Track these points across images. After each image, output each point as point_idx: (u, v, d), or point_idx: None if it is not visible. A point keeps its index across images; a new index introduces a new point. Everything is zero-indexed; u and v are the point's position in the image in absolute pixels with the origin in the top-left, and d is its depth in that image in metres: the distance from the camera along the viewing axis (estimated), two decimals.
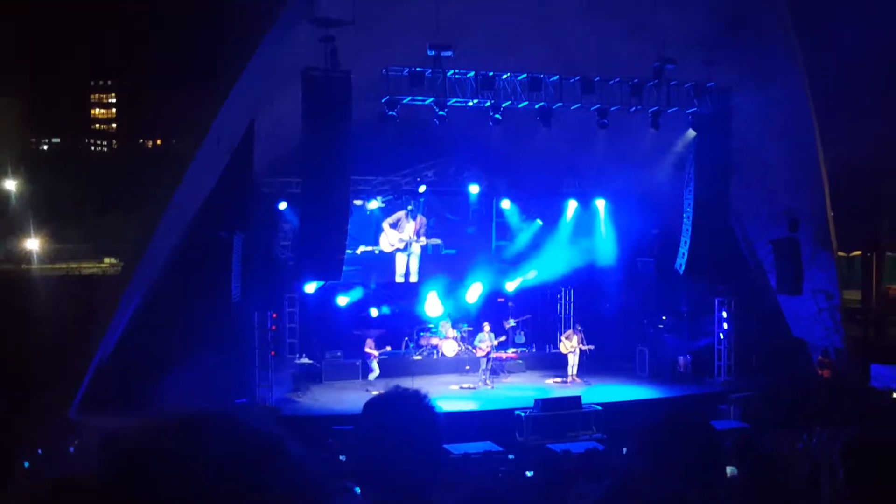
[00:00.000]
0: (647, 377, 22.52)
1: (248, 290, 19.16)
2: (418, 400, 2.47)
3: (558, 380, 22.28)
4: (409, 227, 23.93)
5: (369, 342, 21.11)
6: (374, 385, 20.73)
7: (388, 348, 22.10)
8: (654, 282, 24.12)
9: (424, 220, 24.01)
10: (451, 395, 20.29)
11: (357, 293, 23.77)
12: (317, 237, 18.13)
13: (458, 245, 24.89)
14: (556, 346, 23.66)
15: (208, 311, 18.11)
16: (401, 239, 23.85)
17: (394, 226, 23.83)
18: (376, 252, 23.78)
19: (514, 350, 24.28)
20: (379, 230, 23.81)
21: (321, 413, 18.07)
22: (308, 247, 18.34)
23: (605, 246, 24.38)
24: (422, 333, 24.02)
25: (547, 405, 18.04)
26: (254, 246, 19.72)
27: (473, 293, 24.45)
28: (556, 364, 23.17)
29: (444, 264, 24.43)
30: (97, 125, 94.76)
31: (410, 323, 23.96)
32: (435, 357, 23.45)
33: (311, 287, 21.98)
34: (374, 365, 21.06)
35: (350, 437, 2.52)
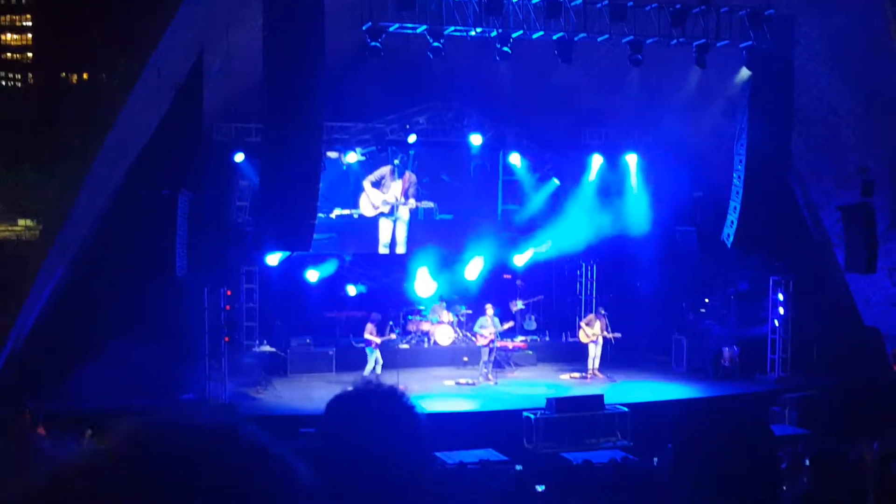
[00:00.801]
0: (685, 373, 22.66)
1: (197, 262, 19.19)
2: (394, 398, 2.43)
3: (576, 375, 22.34)
4: (396, 187, 23.86)
5: (370, 327, 21.21)
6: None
7: (394, 335, 22.28)
8: (696, 256, 24.15)
9: (414, 178, 23.97)
10: (445, 393, 20.42)
11: (330, 267, 23.80)
12: (281, 197, 18.17)
13: (455, 209, 24.86)
14: (575, 334, 23.74)
15: (146, 287, 18.12)
16: (385, 201, 23.80)
17: (377, 185, 23.79)
18: (355, 216, 23.80)
19: (522, 338, 24.38)
20: (359, 190, 23.82)
21: (285, 412, 18.14)
22: (270, 209, 18.39)
23: (636, 212, 24.29)
24: (410, 317, 24.09)
25: (562, 405, 18.13)
26: (203, 207, 19.72)
27: (474, 269, 24.46)
28: (574, 356, 23.26)
29: (438, 233, 24.41)
30: (8, 54, 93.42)
31: (396, 304, 24.01)
32: (426, 346, 23.58)
33: (273, 259, 22.00)
34: (376, 356, 21.08)
35: (310, 445, 2.40)
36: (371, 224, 23.99)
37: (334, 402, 2.49)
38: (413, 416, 2.44)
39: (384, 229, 24.12)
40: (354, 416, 2.38)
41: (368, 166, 23.58)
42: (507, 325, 22.48)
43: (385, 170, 23.71)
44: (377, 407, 2.40)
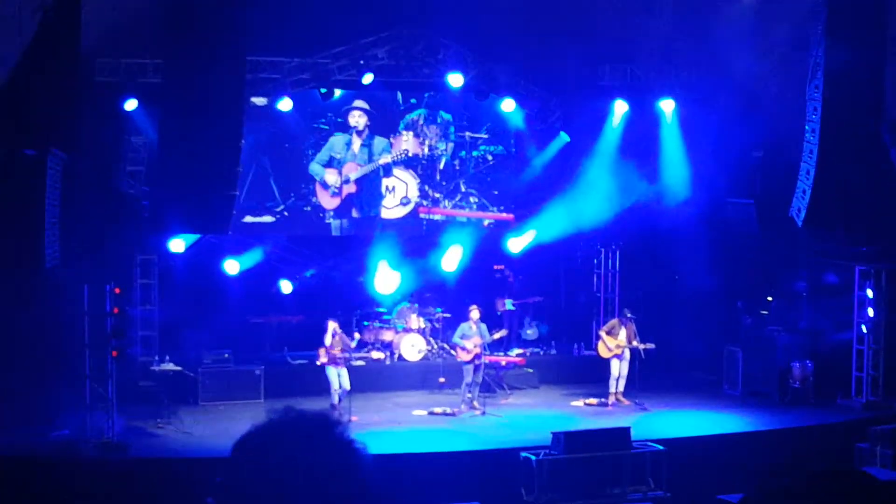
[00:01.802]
0: (741, 396, 22.78)
1: (73, 250, 19.01)
2: (325, 431, 2.42)
3: (593, 401, 22.47)
4: (353, 146, 24.60)
5: (335, 336, 21.00)
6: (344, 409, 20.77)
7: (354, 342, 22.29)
8: (755, 239, 24.23)
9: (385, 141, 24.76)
10: (414, 427, 20.41)
11: (256, 255, 23.99)
12: (189, 159, 18.14)
13: (428, 177, 25.42)
14: (592, 346, 23.74)
15: (3, 284, 17.93)
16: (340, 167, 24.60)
17: (328, 163, 24.60)
18: (307, 209, 24.60)
19: (519, 352, 24.53)
20: (301, 148, 24.59)
21: (196, 454, 18.09)
22: (175, 177, 18.36)
23: (673, 179, 24.38)
24: (366, 323, 24.33)
25: (574, 443, 18.01)
26: (83, 174, 19.55)
27: (452, 258, 24.68)
28: (591, 375, 23.39)
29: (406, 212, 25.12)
30: None
31: (348, 306, 24.21)
32: (388, 362, 23.91)
33: (178, 245, 22.01)
34: (341, 375, 20.83)
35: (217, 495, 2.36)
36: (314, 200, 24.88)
37: (245, 440, 2.37)
38: (353, 456, 2.36)
39: (334, 206, 24.81)
40: (271, 457, 2.31)
41: (304, 112, 24.24)
42: (498, 334, 22.42)
43: (338, 141, 24.35)
44: (302, 444, 2.34)
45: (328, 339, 21.05)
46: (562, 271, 26.18)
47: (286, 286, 24.20)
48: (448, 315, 23.94)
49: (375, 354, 23.93)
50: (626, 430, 18.61)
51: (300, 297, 24.21)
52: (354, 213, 25.12)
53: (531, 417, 21.08)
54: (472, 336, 21.69)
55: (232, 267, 23.64)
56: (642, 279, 24.95)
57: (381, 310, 24.43)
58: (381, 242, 24.55)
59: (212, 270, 23.40)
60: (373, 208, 25.24)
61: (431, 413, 21.45)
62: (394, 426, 20.19)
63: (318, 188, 24.80)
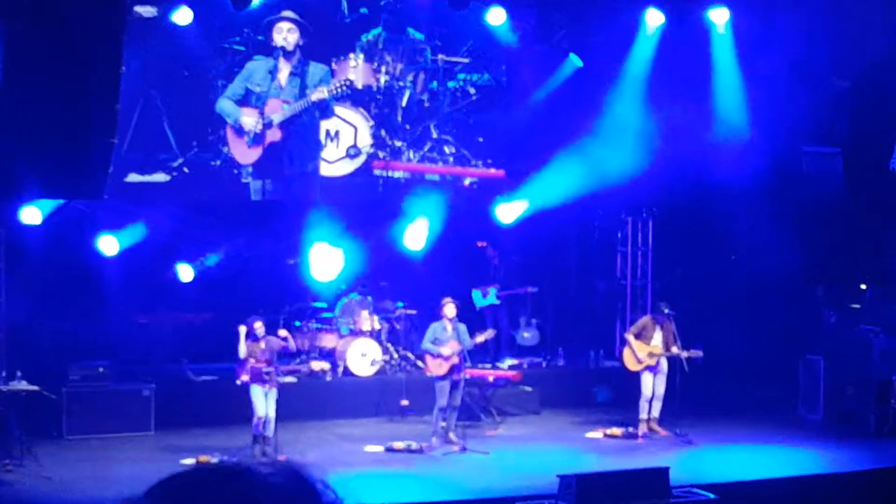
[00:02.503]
0: (822, 422, 22.89)
1: None
2: (247, 487, 2.69)
3: (617, 431, 22.59)
4: (279, 75, 24.56)
5: (260, 342, 20.65)
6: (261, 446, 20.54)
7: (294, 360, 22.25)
8: (842, 201, 24.19)
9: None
10: (366, 470, 20.19)
11: (143, 229, 23.95)
12: (46, 96, 18.00)
13: (385, 118, 25.46)
14: (614, 355, 23.83)
15: None
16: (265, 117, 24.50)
17: (245, 99, 24.36)
18: (216, 164, 24.52)
19: (512, 362, 24.72)
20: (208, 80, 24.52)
21: None
22: (27, 119, 18.13)
23: (727, 117, 24.40)
24: (298, 324, 24.46)
25: (590, 490, 17.84)
26: None
27: (418, 232, 24.95)
28: (613, 394, 23.63)
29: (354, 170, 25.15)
30: None
31: (273, 299, 24.16)
32: (330, 378, 23.99)
33: (33, 214, 21.93)
34: (270, 396, 20.48)
35: None
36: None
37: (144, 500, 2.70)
38: None
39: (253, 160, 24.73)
40: None
41: (228, 62, 24.61)
42: (482, 337, 22.29)
43: (257, 68, 24.49)
44: None
45: (244, 348, 20.67)
46: (572, 249, 26.41)
47: (186, 272, 24.25)
48: (413, 312, 24.24)
49: (313, 365, 23.77)
50: (664, 472, 18.43)
51: (205, 287, 24.27)
52: (280, 170, 24.90)
53: (529, 455, 21.08)
54: (446, 341, 21.40)
55: (109, 245, 23.61)
56: (684, 259, 25.11)
57: (320, 305, 24.60)
58: (319, 211, 24.57)
59: (81, 250, 23.44)
60: (307, 163, 25.09)
61: (390, 450, 21.27)
62: (338, 468, 19.67)
63: (231, 134, 24.59)
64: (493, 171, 25.92)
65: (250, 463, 2.83)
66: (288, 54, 24.53)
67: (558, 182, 24.42)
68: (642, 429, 22.24)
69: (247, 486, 2.73)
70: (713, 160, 24.12)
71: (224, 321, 22.56)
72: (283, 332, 21.74)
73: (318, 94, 24.59)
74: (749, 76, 24.37)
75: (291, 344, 21.44)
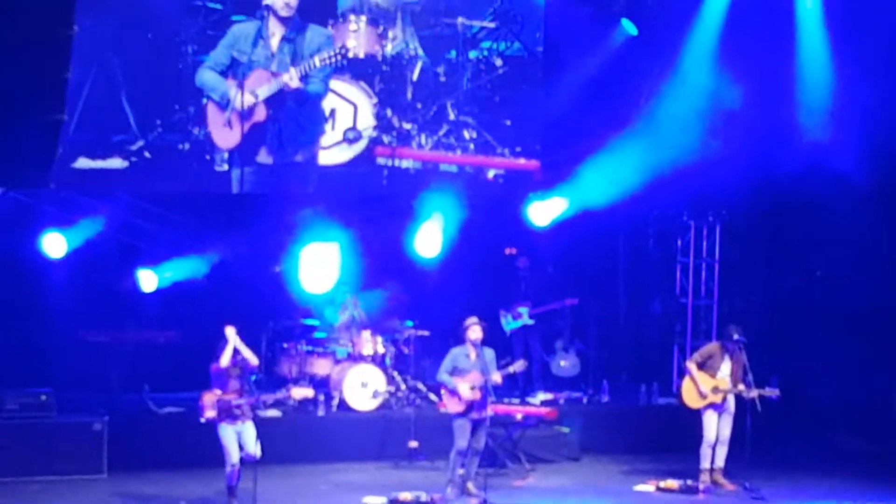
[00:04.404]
0: None
1: None
2: None
3: (673, 483, 22.03)
4: (270, 41, 24.74)
5: (236, 360, 20.55)
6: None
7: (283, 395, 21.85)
8: None
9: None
10: None
11: (96, 226, 24.03)
12: None
13: (392, 95, 25.22)
14: (672, 389, 23.97)
15: None
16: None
17: (230, 71, 24.62)
18: (183, 148, 24.56)
19: (545, 397, 24.68)
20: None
21: None
22: None
23: (816, 101, 24.16)
24: (285, 346, 24.43)
25: None
26: None
27: (432, 235, 25.11)
28: (670, 437, 23.71)
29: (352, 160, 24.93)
30: None
31: (255, 316, 23.81)
32: (322, 412, 23.78)
33: None
34: (244, 434, 20.27)
35: None
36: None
37: None
38: None
39: (229, 141, 24.72)
40: None
41: (203, 23, 24.64)
42: (514, 368, 21.92)
43: (242, 32, 24.61)
44: None
45: (228, 358, 20.48)
46: (620, 260, 26.27)
47: (147, 280, 24.13)
48: (425, 333, 24.09)
49: (294, 393, 23.13)
50: None
51: (172, 299, 24.31)
52: (264, 157, 24.66)
53: None
54: (468, 370, 20.88)
55: (56, 245, 23.77)
56: (761, 275, 24.83)
57: (312, 323, 24.43)
58: (310, 207, 24.57)
59: (20, 251, 23.63)
60: (298, 148, 24.85)
61: (395, 502, 20.76)
62: None
63: (211, 111, 24.33)
64: (523, 161, 25.66)
65: None
66: (282, 18, 24.18)
67: (605, 176, 24.28)
68: (704, 481, 21.75)
69: None
70: (796, 154, 23.81)
71: (193, 341, 22.47)
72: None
73: (289, 78, 24.18)
74: (843, 51, 24.13)
75: (251, 358, 20.61)
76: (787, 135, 24.08)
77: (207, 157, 24.55)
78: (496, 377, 21.22)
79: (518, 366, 22.16)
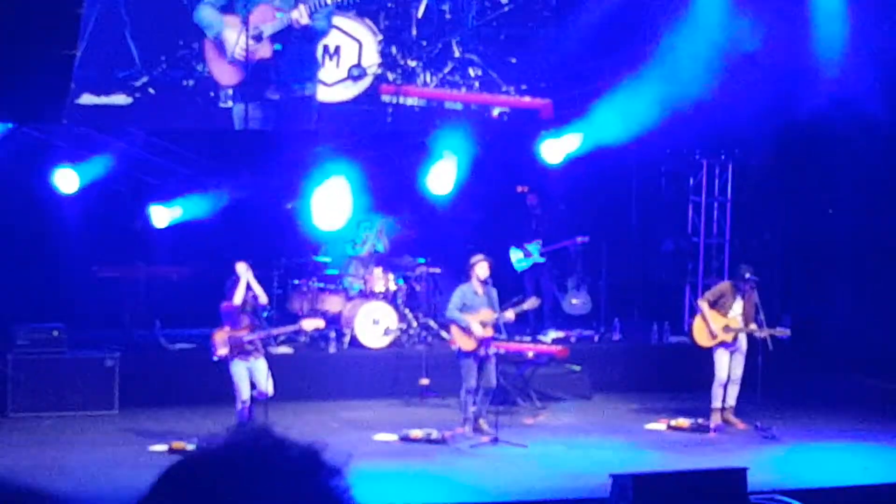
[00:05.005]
0: None
1: None
2: (305, 475, 2.89)
3: (684, 422, 22.64)
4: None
5: (247, 296, 20.59)
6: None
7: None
8: None
9: None
10: (377, 464, 19.75)
11: (108, 161, 24.00)
12: None
13: (396, 31, 25.33)
14: (683, 328, 24.08)
15: None
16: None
17: (227, 6, 24.58)
18: (188, 84, 24.69)
19: (557, 335, 24.79)
20: None
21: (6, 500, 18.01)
22: None
23: (829, 34, 24.07)
24: (296, 282, 24.67)
25: (650, 492, 17.84)
26: None
27: (443, 173, 25.08)
28: (680, 376, 23.95)
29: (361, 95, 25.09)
30: None
31: (266, 252, 24.06)
32: (333, 349, 24.03)
33: None
34: (255, 370, 20.34)
35: None
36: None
37: (168, 476, 2.94)
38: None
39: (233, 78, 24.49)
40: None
41: None
42: (526, 305, 22.38)
43: None
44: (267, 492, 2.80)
45: (241, 295, 20.62)
46: (633, 198, 26.45)
47: (160, 217, 24.15)
48: (436, 270, 24.38)
49: (304, 324, 22.71)
50: (741, 474, 18.23)
51: (184, 235, 24.36)
52: (270, 94, 24.76)
53: (576, 449, 21.18)
54: (477, 307, 21.30)
55: (68, 181, 23.78)
56: (773, 215, 24.95)
57: (323, 260, 24.62)
58: (316, 144, 24.64)
59: (33, 187, 23.59)
60: (302, 84, 24.95)
61: (406, 439, 21.27)
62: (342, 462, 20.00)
63: (210, 49, 24.49)
64: (527, 99, 25.71)
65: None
66: None
67: (618, 114, 24.22)
68: (715, 420, 22.10)
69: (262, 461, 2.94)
70: (810, 92, 23.77)
71: (206, 277, 22.65)
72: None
73: (298, 15, 24.29)
74: None
75: (261, 295, 20.96)
76: (802, 72, 24.02)
77: (212, 94, 24.72)
78: (509, 314, 21.38)
79: (530, 303, 22.41)
